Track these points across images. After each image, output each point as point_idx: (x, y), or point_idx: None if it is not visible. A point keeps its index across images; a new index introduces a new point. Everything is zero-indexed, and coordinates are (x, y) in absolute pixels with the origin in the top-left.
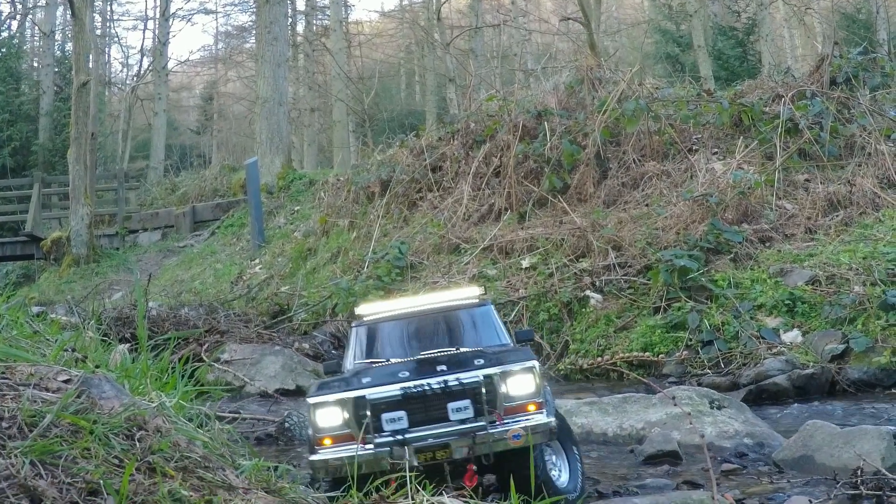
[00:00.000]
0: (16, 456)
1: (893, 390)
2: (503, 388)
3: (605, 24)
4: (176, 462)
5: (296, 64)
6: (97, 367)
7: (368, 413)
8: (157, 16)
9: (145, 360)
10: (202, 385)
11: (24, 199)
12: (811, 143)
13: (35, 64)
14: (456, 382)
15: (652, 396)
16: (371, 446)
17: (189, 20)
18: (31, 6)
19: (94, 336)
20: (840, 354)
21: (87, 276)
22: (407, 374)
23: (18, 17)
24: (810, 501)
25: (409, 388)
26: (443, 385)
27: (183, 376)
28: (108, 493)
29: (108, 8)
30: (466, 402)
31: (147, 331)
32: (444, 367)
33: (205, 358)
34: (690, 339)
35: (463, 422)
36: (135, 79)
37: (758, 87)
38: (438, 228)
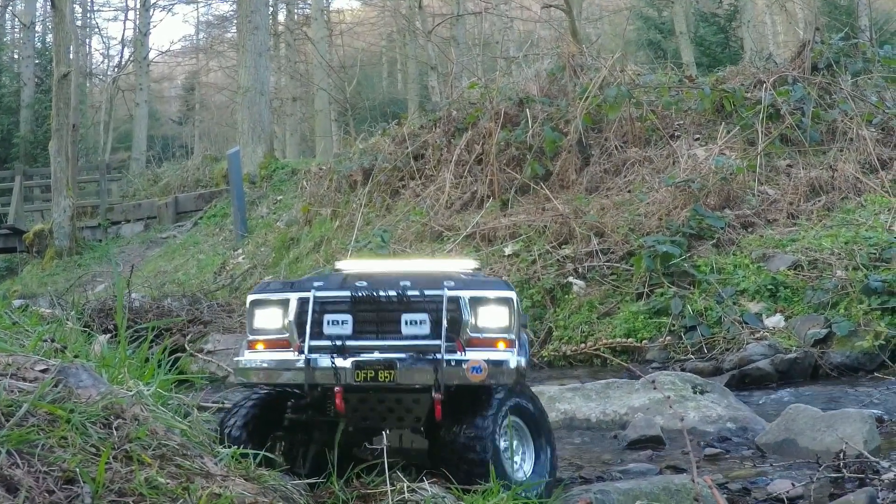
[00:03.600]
0: None
1: (876, 374)
2: (471, 317)
3: (586, 11)
4: (153, 450)
5: (277, 53)
6: (76, 356)
7: (309, 314)
8: (138, 6)
9: (123, 349)
10: (184, 374)
11: (5, 191)
12: (793, 128)
13: (15, 56)
14: (416, 293)
15: (635, 382)
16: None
17: (170, 10)
18: None
19: (74, 327)
20: (823, 339)
21: (70, 268)
22: (364, 284)
23: None
24: (793, 485)
25: (359, 289)
26: (399, 292)
27: (163, 365)
28: (84, 482)
29: None
30: (423, 316)
31: (129, 322)
32: (407, 284)
33: (187, 348)
34: (673, 325)
35: (415, 338)
36: (116, 70)
37: (739, 74)
38: (421, 216)
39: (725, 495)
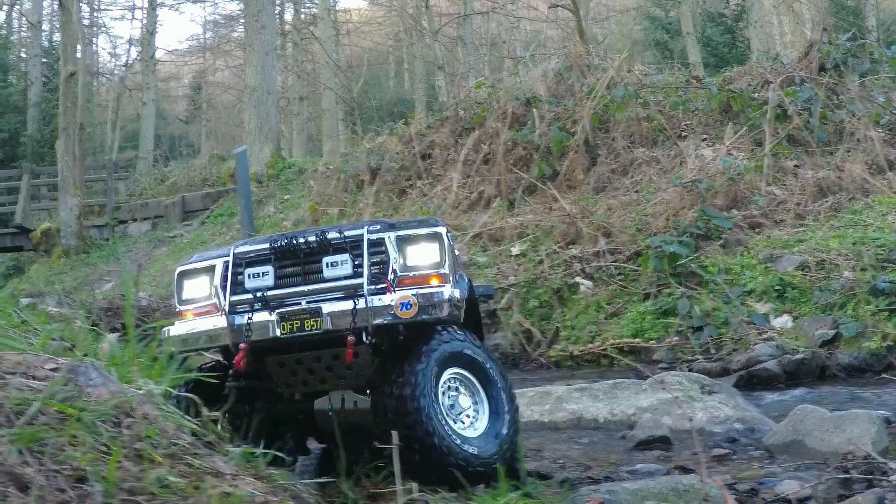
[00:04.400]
0: (3, 444)
1: (884, 375)
2: (399, 257)
3: (593, 11)
4: (164, 449)
5: (284, 53)
6: (85, 355)
7: (229, 270)
8: (145, 5)
9: (132, 347)
10: (193, 373)
11: (12, 190)
12: (800, 129)
13: (22, 55)
14: (336, 234)
15: (643, 382)
16: (224, 314)
17: (177, 9)
18: None
19: (83, 325)
20: (830, 340)
21: (78, 267)
22: (285, 235)
23: (5, 7)
24: (801, 486)
25: (279, 239)
26: (319, 236)
27: (172, 364)
28: (95, 480)
29: None
30: (345, 257)
31: (137, 320)
32: (328, 228)
33: None
34: (681, 325)
35: (338, 279)
36: (123, 69)
37: (747, 74)
38: (428, 216)
39: (734, 496)
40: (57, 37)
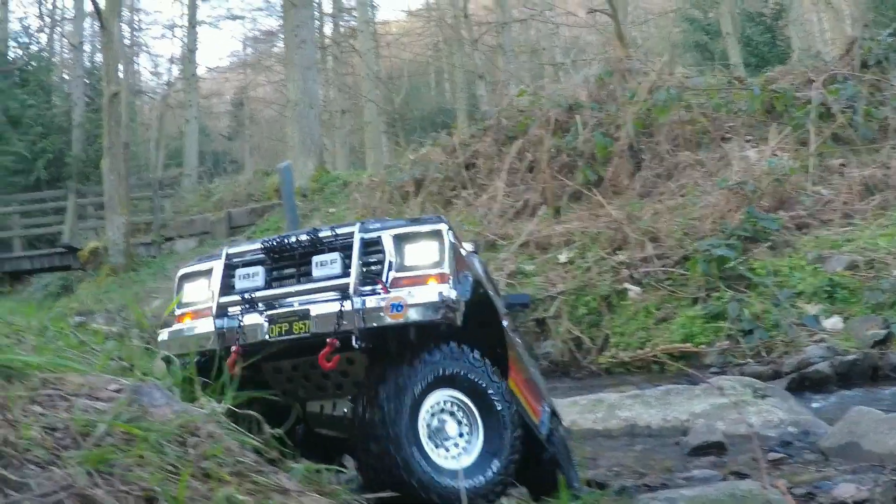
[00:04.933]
0: (72, 465)
1: None
2: (396, 256)
3: (632, 15)
4: (230, 467)
5: (325, 66)
6: (144, 374)
7: (221, 272)
8: (185, 23)
9: (193, 366)
10: (254, 391)
11: (59, 210)
12: (844, 127)
13: (65, 76)
14: (328, 233)
15: (695, 387)
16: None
17: (216, 27)
18: (59, 19)
19: (138, 344)
20: (882, 340)
21: (126, 284)
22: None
23: (47, 30)
24: (858, 489)
25: (271, 239)
26: (311, 235)
27: (232, 381)
28: (164, 500)
29: (136, 18)
30: (335, 256)
31: None
32: (321, 226)
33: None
34: (731, 329)
35: (328, 279)
36: (165, 87)
37: (788, 73)
38: (474, 226)
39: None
40: (99, 57)
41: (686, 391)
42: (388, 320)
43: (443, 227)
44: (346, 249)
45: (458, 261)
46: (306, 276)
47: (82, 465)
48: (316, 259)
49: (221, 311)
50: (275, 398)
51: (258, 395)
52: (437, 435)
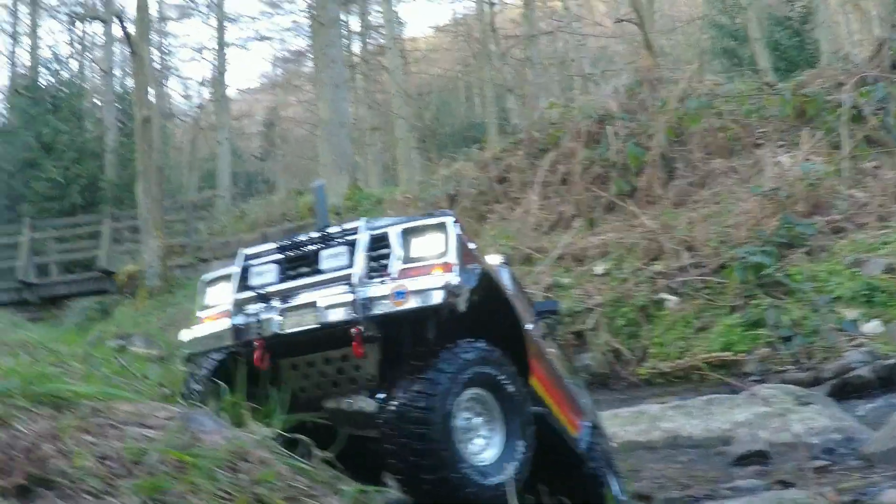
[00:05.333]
0: (126, 495)
1: None
2: (402, 249)
3: (659, 23)
4: (282, 492)
5: (354, 84)
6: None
7: (239, 273)
8: (214, 46)
9: (241, 391)
10: (302, 414)
11: (95, 235)
12: (877, 129)
13: (97, 101)
14: (338, 230)
15: (736, 396)
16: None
17: (245, 48)
18: (89, 45)
19: (181, 368)
20: None
21: (163, 307)
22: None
23: (77, 56)
24: None
25: (285, 238)
26: (322, 233)
27: (280, 405)
28: None
29: (165, 42)
30: (342, 249)
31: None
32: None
33: None
34: (770, 336)
35: (335, 270)
36: (196, 110)
37: (818, 76)
38: (509, 240)
39: None
40: (129, 82)
41: (728, 400)
42: (392, 308)
43: (448, 219)
44: (353, 244)
45: (465, 253)
46: (317, 270)
47: (137, 493)
48: (324, 253)
49: (238, 308)
50: (323, 421)
51: (306, 419)
52: (466, 431)
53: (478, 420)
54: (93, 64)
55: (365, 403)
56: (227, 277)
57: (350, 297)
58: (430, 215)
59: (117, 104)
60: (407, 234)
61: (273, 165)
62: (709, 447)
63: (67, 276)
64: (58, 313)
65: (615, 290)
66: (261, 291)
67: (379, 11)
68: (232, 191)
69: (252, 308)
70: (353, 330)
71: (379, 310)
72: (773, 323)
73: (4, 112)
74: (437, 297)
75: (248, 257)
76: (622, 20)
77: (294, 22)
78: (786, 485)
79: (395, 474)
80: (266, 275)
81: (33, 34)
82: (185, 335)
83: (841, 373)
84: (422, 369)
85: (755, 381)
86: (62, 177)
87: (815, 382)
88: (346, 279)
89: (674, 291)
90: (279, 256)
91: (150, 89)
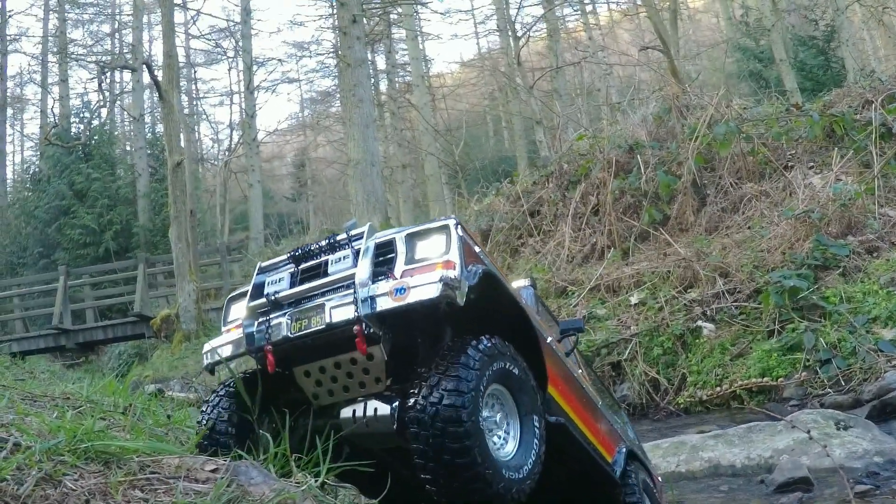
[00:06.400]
0: None
1: None
2: (407, 251)
3: (684, 49)
4: None
5: (383, 122)
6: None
7: (253, 282)
8: (242, 90)
9: (286, 441)
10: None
11: (130, 280)
12: None
13: (128, 148)
14: (343, 235)
15: (777, 423)
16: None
17: (273, 91)
18: (118, 92)
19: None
20: None
21: (199, 350)
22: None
23: (107, 104)
24: None
25: (298, 248)
26: (329, 239)
27: (327, 453)
28: None
29: (194, 87)
30: (347, 252)
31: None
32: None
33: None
34: (808, 360)
35: (341, 272)
36: (227, 153)
37: (846, 96)
38: (543, 273)
39: None
40: (159, 128)
41: (768, 427)
42: (393, 304)
43: (451, 222)
44: (359, 250)
45: (468, 253)
46: (324, 274)
47: None
48: (331, 258)
49: (251, 316)
50: (370, 469)
51: (353, 466)
52: (491, 426)
53: (499, 415)
54: (123, 111)
55: (379, 407)
56: (246, 293)
57: (355, 296)
58: (434, 220)
59: (148, 150)
60: (411, 238)
61: (304, 206)
62: (750, 476)
63: (103, 322)
64: (94, 359)
65: (651, 319)
66: (272, 297)
67: (405, 49)
68: (264, 232)
69: (264, 316)
70: (355, 328)
71: (380, 307)
72: (811, 346)
73: (37, 161)
74: (435, 291)
75: (262, 269)
76: (648, 48)
77: (321, 63)
78: None
79: (426, 474)
80: (279, 283)
81: (63, 83)
82: (206, 347)
83: (881, 394)
84: (450, 366)
85: (795, 405)
86: (96, 223)
87: (855, 404)
88: (350, 279)
89: (709, 318)
90: (291, 267)
91: (180, 134)
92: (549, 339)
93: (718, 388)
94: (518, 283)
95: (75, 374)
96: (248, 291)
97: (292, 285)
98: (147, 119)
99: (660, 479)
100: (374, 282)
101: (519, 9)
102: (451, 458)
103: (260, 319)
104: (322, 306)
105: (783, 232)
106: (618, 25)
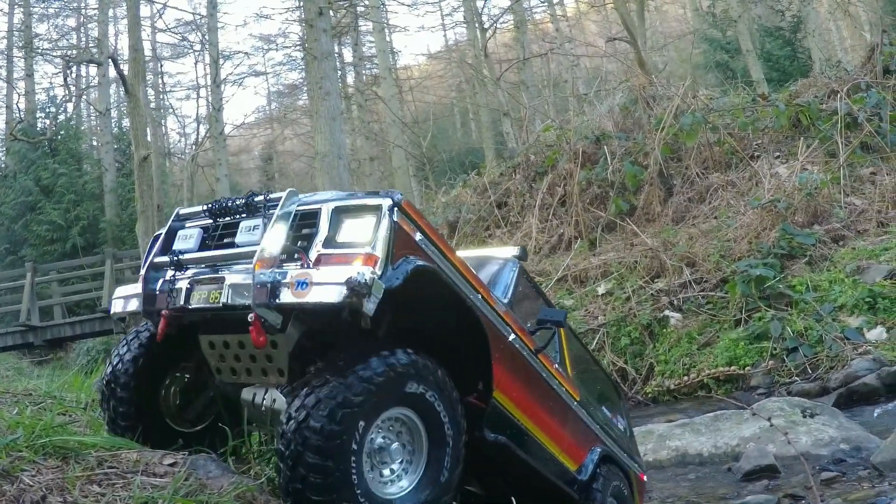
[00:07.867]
0: None
1: None
2: (329, 230)
3: (650, 40)
4: None
5: (350, 115)
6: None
7: (165, 232)
8: (209, 83)
9: (247, 437)
10: None
11: (97, 276)
12: (872, 135)
13: (94, 143)
14: (261, 196)
15: (743, 412)
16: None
17: (240, 84)
18: (84, 87)
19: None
20: None
21: None
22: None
23: (73, 98)
24: None
25: (216, 200)
26: (248, 199)
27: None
28: None
29: (160, 81)
30: (258, 222)
31: None
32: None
33: None
34: (775, 348)
35: (249, 245)
36: (194, 147)
37: (812, 86)
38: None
39: None
40: (126, 122)
41: (735, 416)
42: (292, 298)
43: (385, 202)
44: (271, 218)
45: (401, 245)
46: (234, 241)
47: None
48: (243, 224)
49: (153, 273)
50: None
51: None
52: (377, 455)
53: (396, 445)
54: (89, 106)
55: (276, 399)
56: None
57: (254, 279)
58: (375, 195)
59: (115, 145)
60: (338, 212)
61: None
62: (718, 464)
63: (71, 318)
64: (63, 356)
65: (618, 309)
66: (175, 258)
67: (372, 42)
68: None
69: (168, 275)
70: (250, 316)
71: (279, 299)
72: (777, 335)
73: (3, 157)
74: (336, 295)
75: (178, 217)
76: (614, 39)
77: (288, 56)
78: (796, 499)
79: (282, 482)
80: (187, 240)
81: (29, 79)
82: (116, 292)
83: (847, 382)
84: (337, 372)
85: (762, 394)
86: (62, 219)
87: (821, 392)
88: (251, 253)
89: (677, 308)
90: (207, 220)
91: (147, 129)
92: (512, 337)
93: (686, 378)
94: (503, 252)
95: (43, 370)
96: (161, 234)
97: (201, 247)
98: (113, 113)
99: (645, 477)
100: (282, 263)
101: (486, 0)
102: (306, 474)
103: (163, 280)
104: (222, 280)
105: (749, 221)
106: (585, 17)
